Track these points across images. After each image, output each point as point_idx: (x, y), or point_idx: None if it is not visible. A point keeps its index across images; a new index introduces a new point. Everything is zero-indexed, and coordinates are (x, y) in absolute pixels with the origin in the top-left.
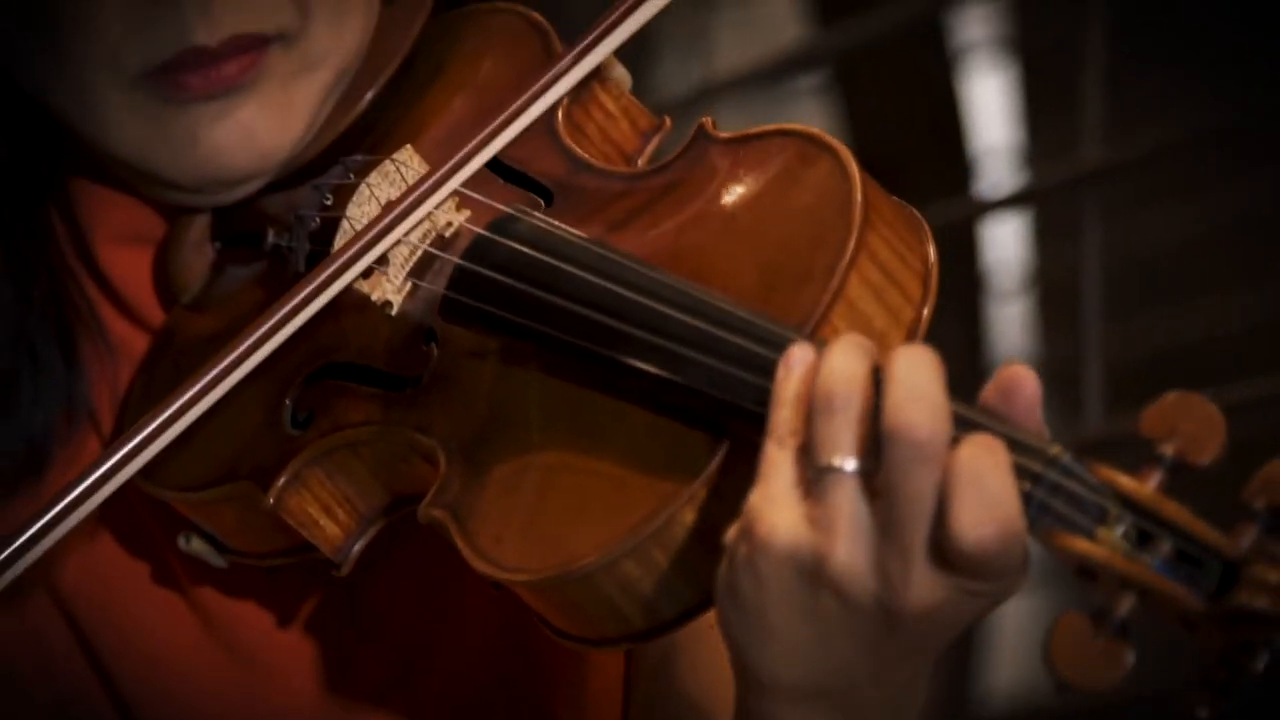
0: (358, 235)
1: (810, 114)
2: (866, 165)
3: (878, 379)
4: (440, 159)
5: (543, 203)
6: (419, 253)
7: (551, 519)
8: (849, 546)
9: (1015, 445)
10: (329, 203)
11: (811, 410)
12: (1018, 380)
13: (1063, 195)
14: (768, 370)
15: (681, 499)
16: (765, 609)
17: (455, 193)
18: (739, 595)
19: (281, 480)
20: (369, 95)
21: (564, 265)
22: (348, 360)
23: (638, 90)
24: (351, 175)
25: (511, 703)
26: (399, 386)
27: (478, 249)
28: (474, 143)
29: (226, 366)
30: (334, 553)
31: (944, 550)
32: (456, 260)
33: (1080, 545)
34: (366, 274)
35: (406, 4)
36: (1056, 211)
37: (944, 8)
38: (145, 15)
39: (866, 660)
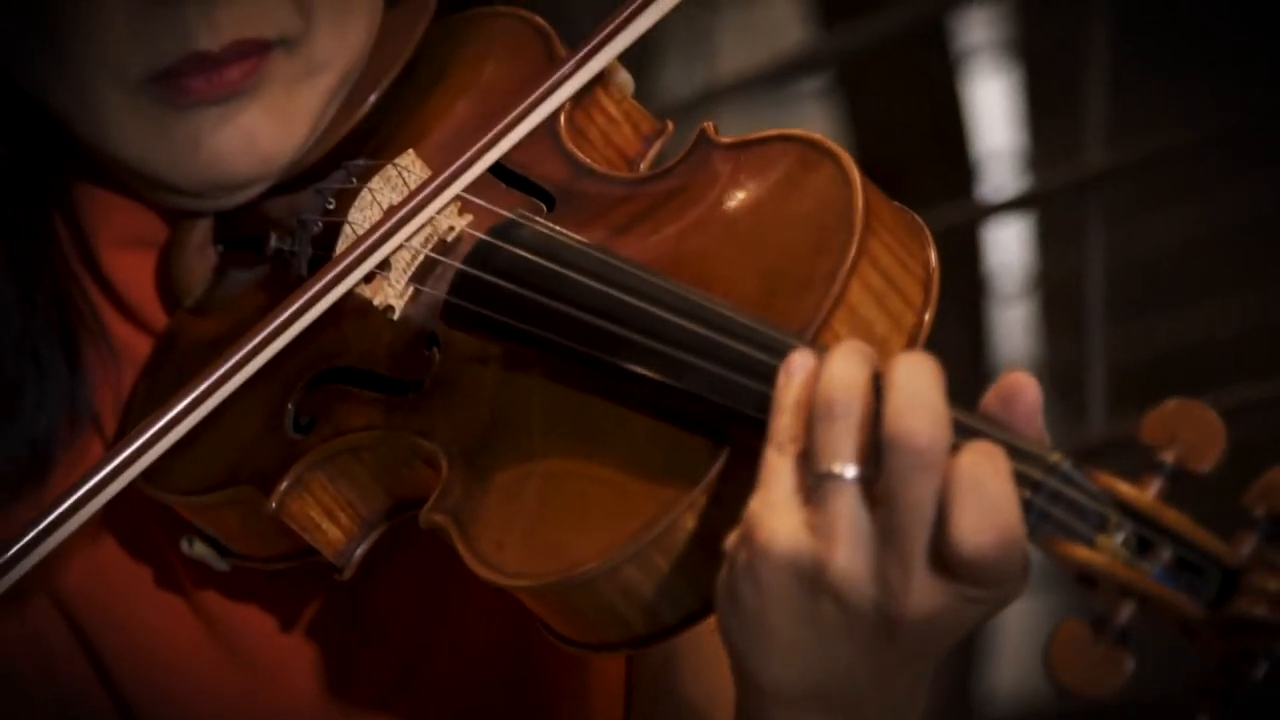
0: (359, 240)
1: (813, 117)
2: (869, 168)
3: (879, 386)
4: (443, 163)
5: (545, 207)
6: (421, 257)
7: (553, 525)
8: (849, 553)
9: (1015, 452)
10: (331, 207)
11: (812, 417)
12: (1019, 387)
13: (1066, 198)
14: (769, 376)
15: (683, 505)
16: (765, 615)
17: (457, 197)
18: (739, 601)
19: (284, 484)
20: (372, 99)
21: (566, 271)
22: (350, 365)
23: (641, 93)
24: (354, 179)
25: (513, 706)
26: (401, 391)
27: (480, 254)
28: (476, 148)
29: (228, 370)
30: (336, 557)
31: (944, 557)
32: (458, 265)
33: (1080, 553)
34: (368, 279)
35: (409, 7)
36: (1059, 215)
37: (947, 11)
38: (148, 20)
39: (866, 666)
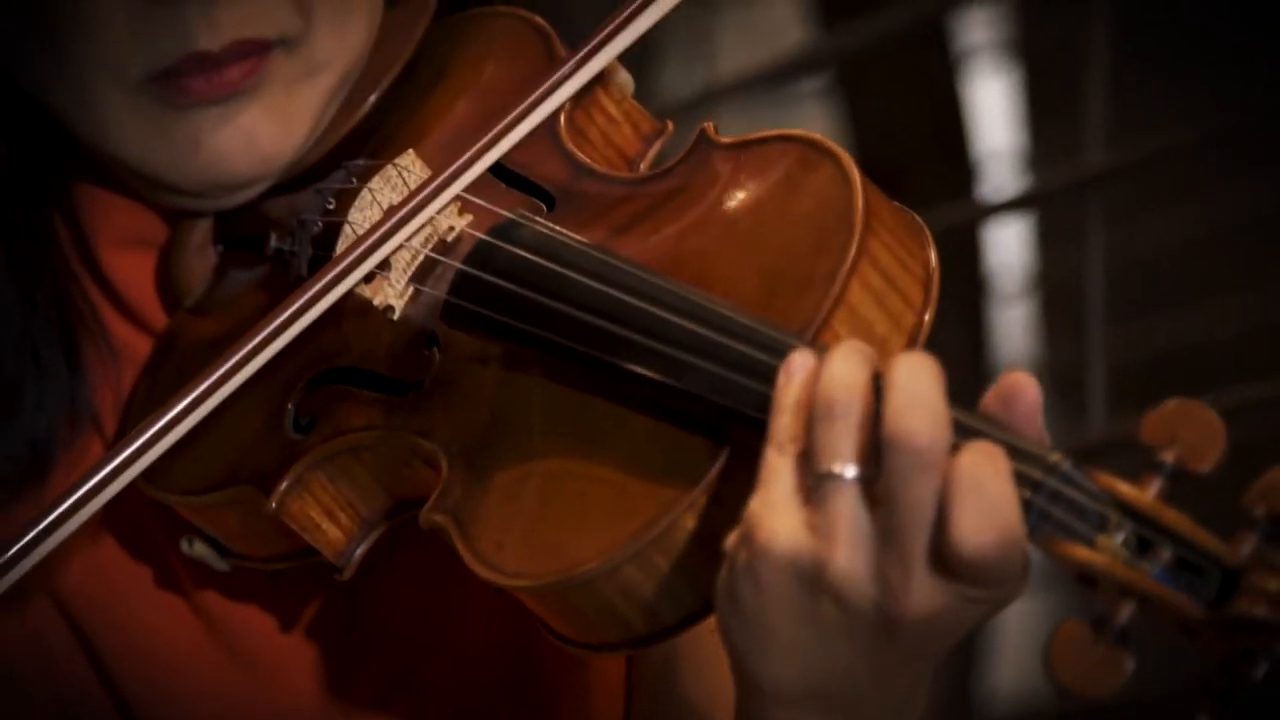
0: (359, 240)
1: (813, 117)
2: (869, 168)
3: (878, 386)
4: (443, 163)
5: (545, 207)
6: (421, 257)
7: (553, 525)
8: (848, 553)
9: (1015, 452)
10: (331, 207)
11: (812, 417)
12: (1019, 387)
13: (1066, 198)
14: (769, 377)
15: (683, 505)
16: (765, 615)
17: (457, 197)
18: (739, 601)
19: (284, 485)
20: (372, 99)
21: (566, 271)
22: (350, 365)
23: (641, 93)
24: (354, 179)
25: (513, 706)
26: (401, 391)
27: (479, 254)
28: (476, 148)
29: (228, 370)
30: (336, 557)
31: (944, 557)
32: (458, 265)
33: (1080, 553)
34: (368, 279)
35: (409, 7)
36: (1059, 215)
37: (947, 11)
38: (147, 20)
39: (866, 666)
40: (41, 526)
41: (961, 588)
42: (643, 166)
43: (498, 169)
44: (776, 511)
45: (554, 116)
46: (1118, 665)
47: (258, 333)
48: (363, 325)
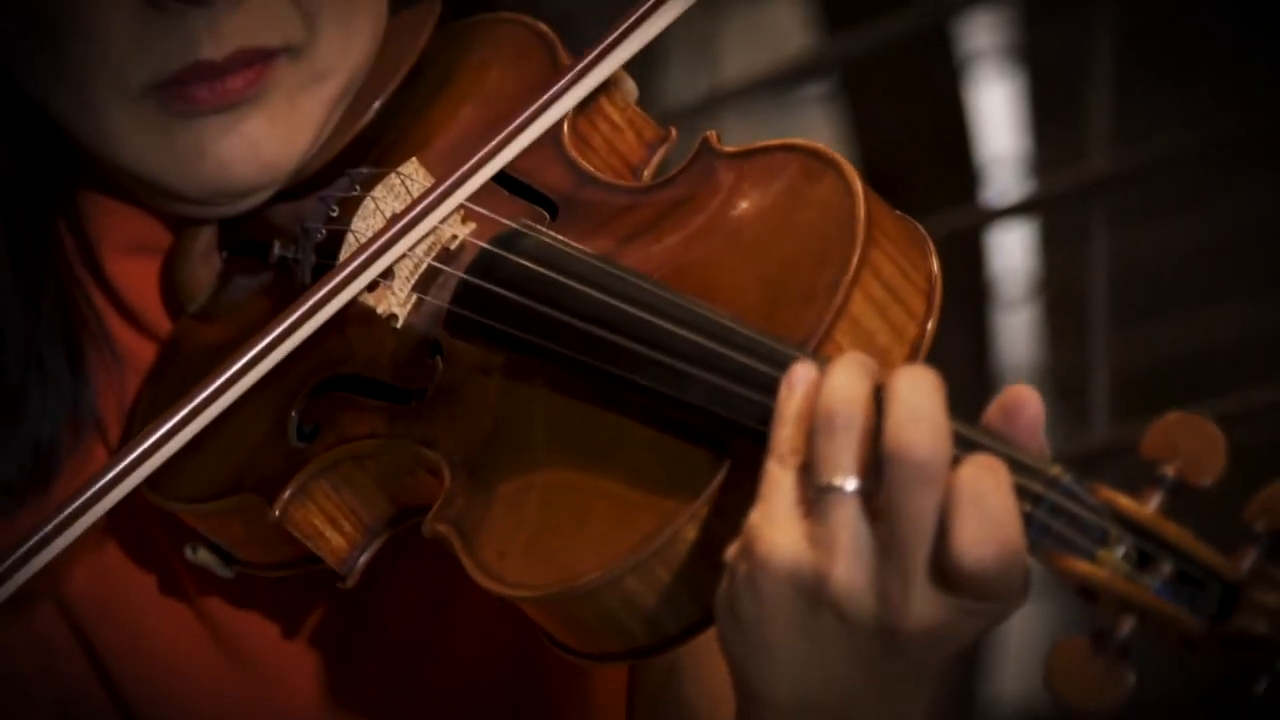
0: (362, 248)
1: (817, 122)
2: (873, 173)
3: (880, 398)
4: (446, 171)
5: (548, 216)
6: (424, 266)
7: (555, 535)
8: (849, 566)
9: (1016, 466)
10: (335, 214)
11: (813, 429)
12: (1021, 400)
13: (1069, 204)
14: (770, 388)
15: (684, 516)
16: (765, 626)
17: (460, 206)
18: (739, 612)
19: (287, 493)
20: (375, 107)
21: (568, 281)
22: (353, 373)
23: (644, 98)
24: (357, 187)
25: (515, 713)
26: (404, 400)
27: (482, 264)
28: (478, 157)
29: (231, 378)
30: (339, 565)
31: (944, 570)
32: (461, 275)
33: (1081, 567)
34: (371, 287)
35: (413, 14)
36: (1063, 220)
37: (951, 16)
38: (151, 29)
39: (865, 678)
40: (45, 532)
41: (962, 601)
42: (646, 174)
43: (501, 177)
44: (777, 524)
45: (557, 124)
46: (1118, 679)
47: (261, 340)
48: (366, 333)
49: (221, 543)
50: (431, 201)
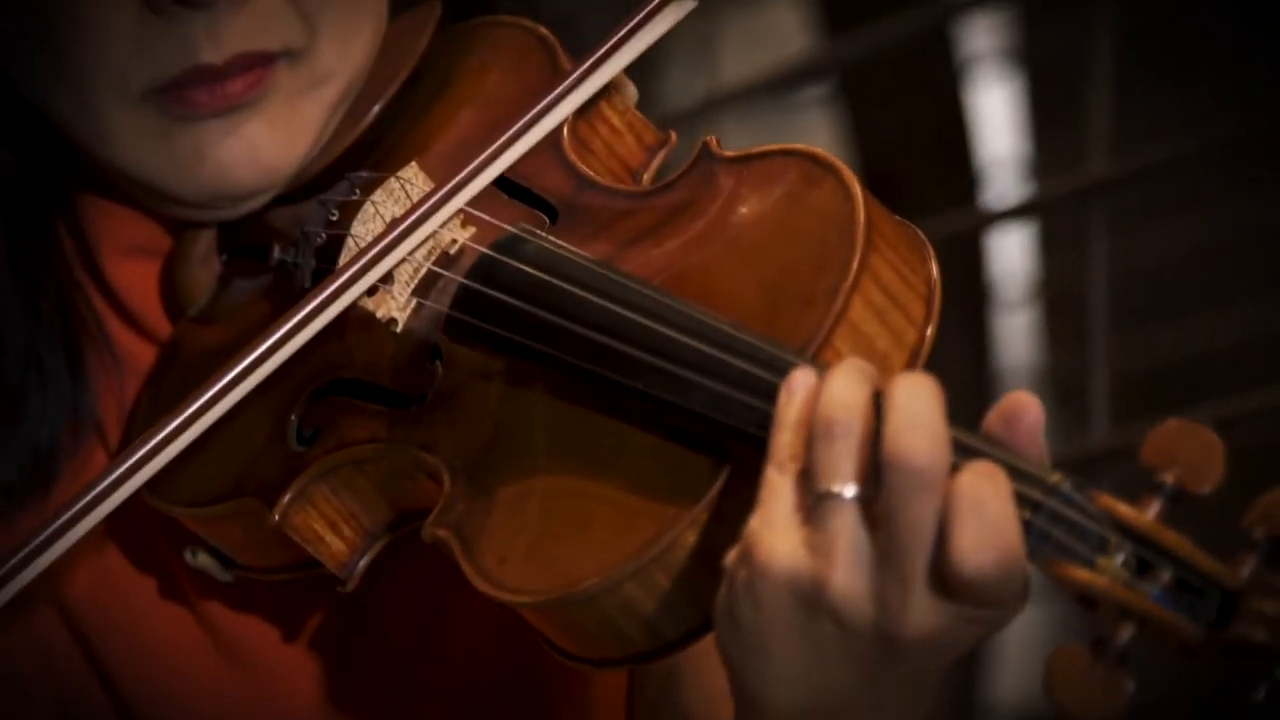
0: (361, 253)
1: (816, 125)
2: (872, 176)
3: (879, 405)
4: (446, 175)
5: (548, 220)
6: (423, 271)
7: (555, 541)
8: (847, 573)
9: (1016, 473)
10: (334, 218)
11: (812, 436)
12: (1021, 407)
13: (1069, 206)
14: (770, 394)
15: (683, 523)
16: (763, 633)
17: (460, 210)
18: (738, 618)
19: (286, 497)
20: (375, 110)
21: (568, 286)
22: (353, 377)
23: (643, 102)
24: (357, 191)
25: (515, 716)
26: (404, 404)
27: (482, 268)
28: (477, 161)
29: (231, 382)
30: (339, 569)
31: (943, 577)
32: (460, 280)
33: (1080, 574)
34: (371, 291)
35: (413, 17)
36: (1062, 223)
37: (950, 19)
38: (151, 33)
39: (864, 685)
40: (45, 535)
41: (961, 608)
42: (646, 178)
43: (501, 181)
44: (776, 530)
45: (557, 128)
46: (1117, 687)
47: (261, 344)
48: (366, 337)
49: (221, 546)
50: (431, 206)
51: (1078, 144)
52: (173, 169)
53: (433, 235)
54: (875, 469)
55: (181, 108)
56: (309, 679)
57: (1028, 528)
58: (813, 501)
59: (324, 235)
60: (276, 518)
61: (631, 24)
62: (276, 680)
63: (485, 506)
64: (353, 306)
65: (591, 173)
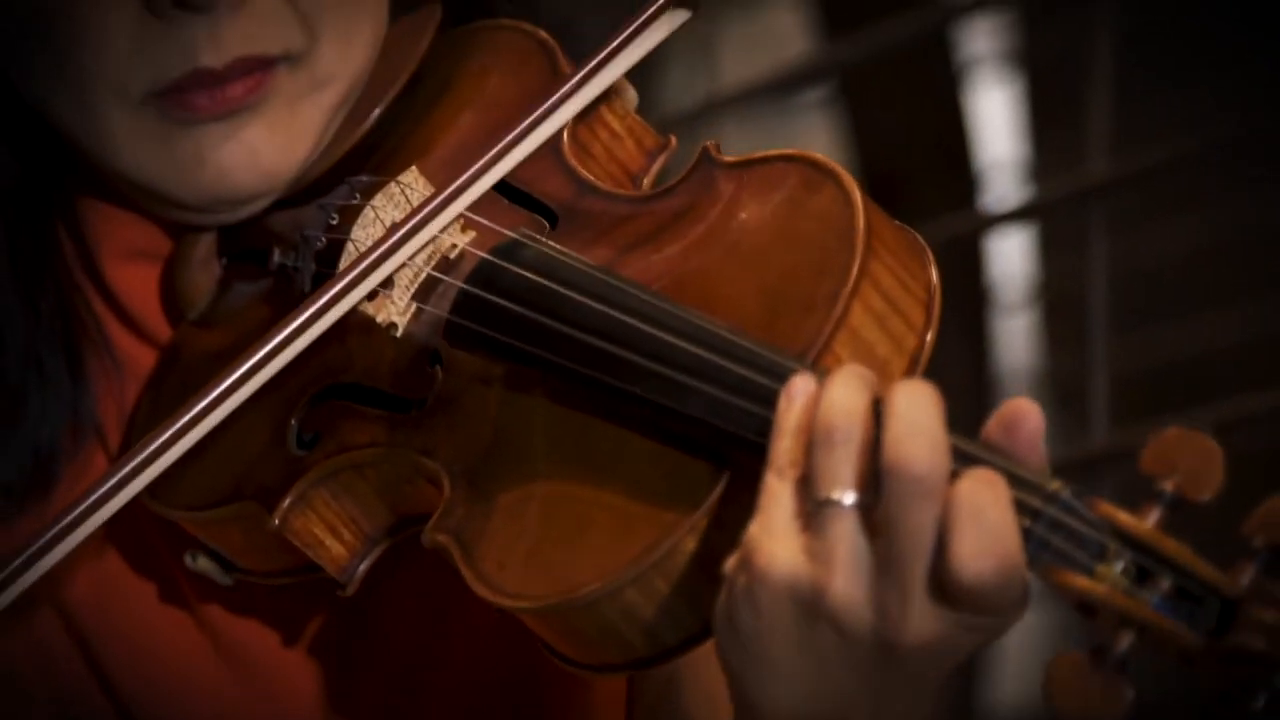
0: (361, 257)
1: (816, 127)
2: (872, 179)
3: (879, 411)
4: (446, 179)
5: (548, 225)
6: (423, 275)
7: (555, 546)
8: (846, 580)
9: (1015, 480)
10: (334, 222)
11: (812, 442)
12: (1021, 414)
13: (1068, 208)
14: (770, 400)
15: (683, 529)
16: (763, 639)
17: (460, 215)
18: (737, 625)
19: (286, 501)
20: (375, 114)
21: (568, 292)
22: (353, 381)
23: (642, 104)
24: (357, 195)
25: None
26: (404, 409)
27: (482, 273)
28: (477, 166)
29: (231, 385)
30: (339, 573)
31: (943, 584)
32: (460, 285)
33: (1079, 582)
34: (371, 296)
35: (413, 21)
36: (1062, 225)
37: (950, 21)
38: (151, 37)
39: (863, 691)
40: (45, 539)
41: (960, 615)
42: (646, 182)
43: (501, 185)
44: (775, 536)
45: (557, 133)
46: (1117, 695)
47: (261, 348)
48: (366, 342)
49: (221, 550)
50: (431, 210)
51: (1077, 146)
52: (173, 172)
53: (433, 240)
54: (875, 476)
55: (181, 111)
56: (309, 683)
57: (1027, 535)
58: (812, 508)
59: (324, 239)
60: (276, 522)
61: (632, 28)
62: (276, 684)
63: (485, 512)
64: (353, 311)
65: (592, 177)
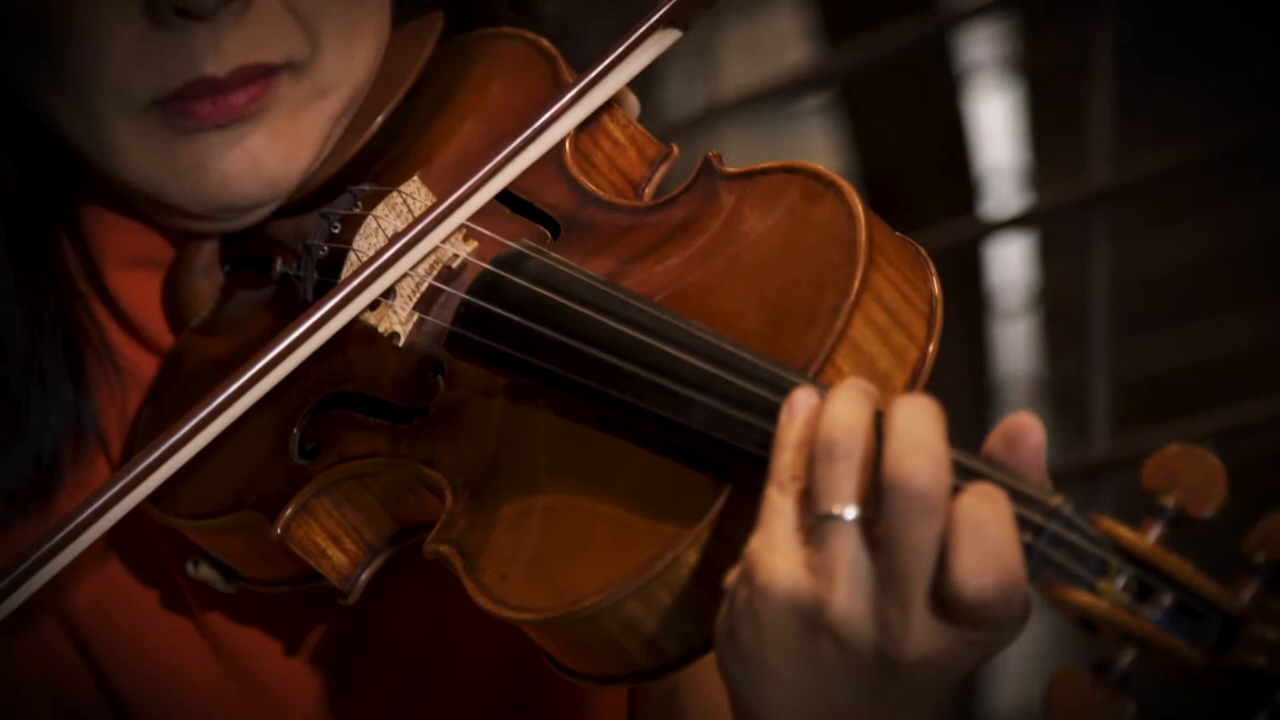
0: (363, 267)
1: (816, 134)
2: (872, 186)
3: (881, 425)
4: (448, 188)
5: (550, 235)
6: (425, 285)
7: (557, 559)
8: (848, 594)
9: (1017, 496)
10: (337, 232)
11: (813, 457)
12: (1023, 429)
13: (1069, 216)
14: (771, 414)
15: (685, 541)
16: (764, 653)
17: (462, 225)
18: (738, 638)
19: (289, 510)
20: (378, 122)
21: (569, 303)
22: (355, 391)
23: (643, 111)
24: (359, 205)
25: None
26: (405, 419)
27: (483, 284)
28: (479, 176)
29: (233, 394)
30: (341, 582)
31: (944, 599)
32: (462, 295)
33: (1081, 598)
34: (373, 306)
35: (415, 29)
36: (1062, 232)
37: (950, 28)
38: (154, 45)
39: (864, 705)
40: (47, 547)
41: (961, 630)
42: (647, 191)
43: (503, 195)
44: (776, 550)
45: (560, 143)
46: (1119, 711)
47: (263, 357)
48: (368, 351)
49: (223, 559)
50: (433, 220)
51: (1078, 153)
52: (175, 180)
53: (435, 250)
54: (876, 491)
55: (184, 119)
56: (310, 691)
57: (1028, 551)
58: (814, 522)
59: (326, 248)
60: (279, 531)
61: (634, 37)
62: (277, 692)
63: (487, 523)
64: (355, 320)
65: (594, 187)
